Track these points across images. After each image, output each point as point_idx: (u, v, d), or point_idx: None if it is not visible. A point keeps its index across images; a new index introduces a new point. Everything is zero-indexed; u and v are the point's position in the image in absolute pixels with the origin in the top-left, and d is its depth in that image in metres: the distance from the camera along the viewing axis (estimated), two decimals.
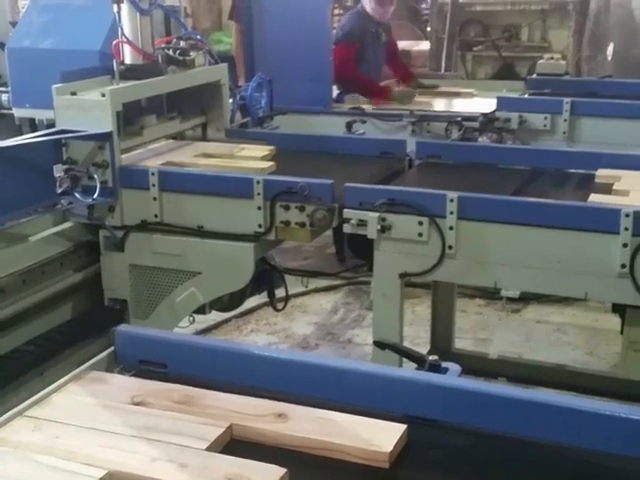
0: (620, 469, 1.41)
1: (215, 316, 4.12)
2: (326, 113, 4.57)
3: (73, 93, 2.92)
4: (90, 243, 3.02)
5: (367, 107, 4.72)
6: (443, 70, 6.40)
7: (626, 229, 2.38)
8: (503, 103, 4.36)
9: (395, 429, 1.44)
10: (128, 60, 3.22)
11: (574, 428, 1.42)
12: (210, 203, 2.87)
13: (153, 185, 2.91)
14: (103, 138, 2.86)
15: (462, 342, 3.97)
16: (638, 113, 4.09)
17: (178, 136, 3.56)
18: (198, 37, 3.45)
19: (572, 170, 3.20)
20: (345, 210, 2.72)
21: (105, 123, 2.85)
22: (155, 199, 2.91)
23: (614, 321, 2.70)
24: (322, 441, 1.42)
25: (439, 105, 5.03)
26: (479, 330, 4.34)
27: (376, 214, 2.67)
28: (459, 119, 4.25)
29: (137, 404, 1.54)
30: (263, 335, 4.39)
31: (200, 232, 2.88)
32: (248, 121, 3.83)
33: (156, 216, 2.93)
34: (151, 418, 1.48)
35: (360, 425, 1.45)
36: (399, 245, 2.70)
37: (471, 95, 5.05)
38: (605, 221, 2.42)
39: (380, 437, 1.41)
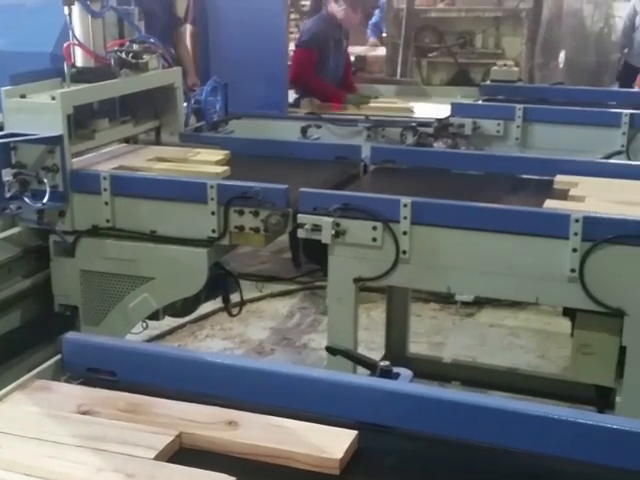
0: (570, 473, 1.42)
1: (169, 322, 4.08)
2: (282, 118, 4.57)
3: (22, 96, 2.86)
4: (40, 248, 2.95)
5: (323, 112, 4.73)
6: (399, 76, 6.44)
7: (575, 234, 2.41)
8: (457, 109, 4.40)
9: (346, 435, 1.43)
10: (80, 63, 3.18)
11: (526, 432, 1.43)
12: (163, 208, 2.84)
13: (105, 189, 2.87)
14: (53, 142, 2.81)
15: (417, 346, 3.99)
16: (588, 120, 4.16)
17: (132, 140, 3.53)
18: (152, 40, 3.42)
19: (528, 176, 3.24)
20: (299, 215, 2.71)
21: (55, 126, 2.81)
22: (107, 204, 2.88)
23: (565, 324, 2.74)
24: (272, 448, 1.41)
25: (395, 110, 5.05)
26: (434, 334, 4.37)
27: (330, 219, 2.66)
28: (414, 124, 4.29)
29: (84, 413, 1.51)
30: (218, 340, 4.35)
31: (153, 237, 2.85)
32: (203, 125, 3.80)
33: (108, 221, 2.89)
34: (97, 427, 1.45)
35: (311, 432, 1.44)
36: (353, 250, 2.70)
37: (408, 110, 4.83)
38: (555, 226, 2.45)
39: (331, 444, 1.41)
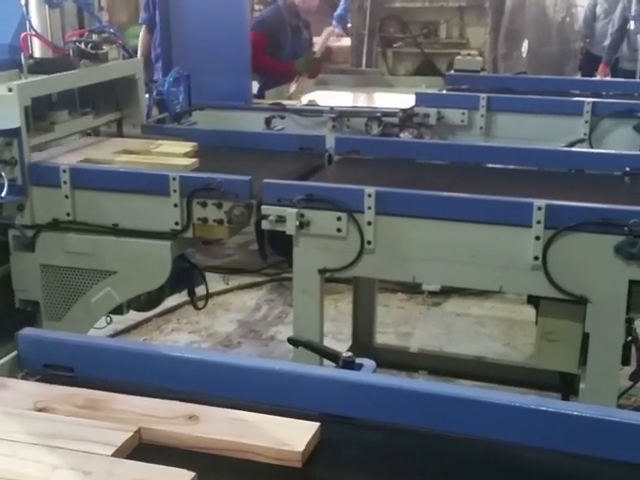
0: (535, 461, 1.42)
1: (135, 316, 4.03)
2: (246, 109, 4.52)
3: None
4: None
5: (288, 102, 4.70)
6: (364, 66, 6.42)
7: (538, 222, 2.42)
8: (422, 99, 4.40)
9: (308, 427, 1.41)
10: (38, 54, 3.11)
11: (488, 421, 1.43)
12: (125, 201, 2.80)
13: (65, 182, 2.83)
14: (10, 134, 2.76)
15: (384, 337, 3.99)
16: (551, 108, 4.18)
17: (93, 132, 3.47)
18: (112, 30, 3.38)
19: (493, 165, 3.25)
20: (263, 206, 2.69)
21: (13, 119, 2.74)
22: (67, 197, 2.83)
23: (530, 312, 2.75)
24: (234, 442, 1.39)
25: (359, 101, 5.05)
26: (401, 324, 4.37)
27: (294, 210, 2.64)
28: (379, 115, 4.27)
29: (40, 410, 1.47)
30: (184, 334, 4.32)
31: (115, 230, 2.82)
32: (165, 117, 3.76)
33: (68, 214, 2.84)
34: (54, 424, 1.42)
35: (272, 424, 1.43)
36: (318, 241, 2.68)
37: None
38: (518, 214, 2.45)
39: (292, 436, 1.39)
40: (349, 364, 1.55)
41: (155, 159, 3.09)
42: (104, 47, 3.22)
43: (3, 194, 2.73)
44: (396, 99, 4.90)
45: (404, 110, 4.32)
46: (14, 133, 2.75)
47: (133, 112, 3.48)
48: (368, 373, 1.53)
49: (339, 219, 2.64)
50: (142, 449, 1.40)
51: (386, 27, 6.43)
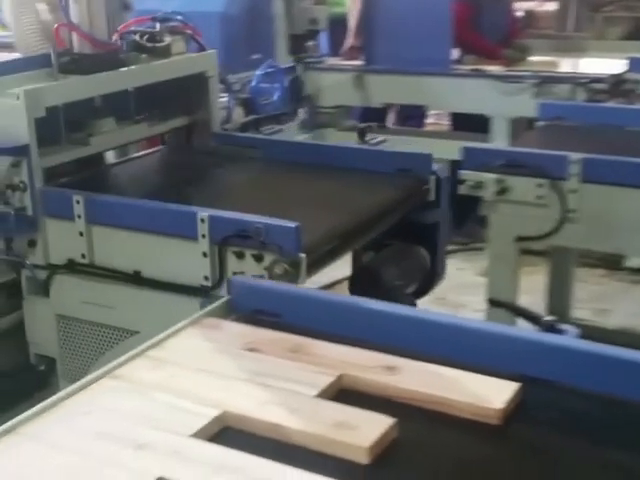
0: None
1: (332, 275, 4.14)
2: (444, 74, 4.47)
3: None
4: (13, 282, 2.43)
5: (491, 68, 4.59)
6: (570, 30, 6.14)
7: None
8: (636, 64, 4.13)
9: (508, 387, 1.40)
10: (79, 49, 2.55)
11: None
12: (149, 243, 2.23)
13: (79, 216, 2.28)
14: (17, 153, 2.26)
15: (580, 312, 3.84)
16: None
17: (148, 142, 2.97)
18: (179, 17, 2.79)
19: None
20: (462, 171, 2.67)
21: (20, 134, 2.24)
22: (82, 234, 2.29)
23: None
24: (432, 395, 1.41)
25: (564, 66, 4.83)
26: (598, 301, 4.19)
27: (494, 176, 2.60)
28: (585, 80, 4.07)
29: (250, 350, 1.57)
30: None
31: (137, 279, 2.25)
32: (249, 121, 3.17)
33: (84, 256, 2.30)
34: (263, 364, 1.51)
35: (472, 381, 1.43)
36: (516, 208, 2.63)
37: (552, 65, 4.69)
38: None
39: (492, 394, 1.39)
40: (552, 328, 1.51)
41: None
42: (165, 39, 2.68)
43: (10, 227, 2.28)
44: (603, 65, 4.64)
45: (615, 75, 4.08)
46: (21, 151, 2.25)
47: (204, 117, 2.88)
48: (573, 338, 1.49)
49: (540, 186, 2.57)
50: (342, 394, 1.46)
51: None
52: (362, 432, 1.28)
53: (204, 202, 2.30)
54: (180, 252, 2.17)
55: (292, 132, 3.77)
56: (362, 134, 3.48)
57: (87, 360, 2.39)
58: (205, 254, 2.11)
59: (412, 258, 2.67)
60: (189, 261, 2.14)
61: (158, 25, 2.68)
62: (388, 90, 4.48)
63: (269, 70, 3.29)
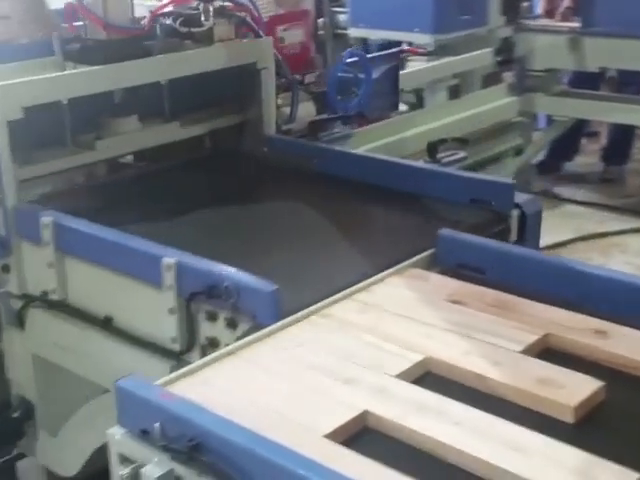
0: None
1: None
2: None
3: None
4: None
5: None
6: None
7: None
8: None
9: None
10: (97, 35, 2.16)
11: None
12: (121, 285, 1.79)
13: (47, 243, 1.88)
14: None
15: None
16: None
17: (186, 146, 2.37)
18: None
19: None
20: None
21: None
22: (51, 265, 1.89)
23: None
24: None
25: None
26: None
27: None
28: None
29: (453, 302, 1.58)
30: None
31: (107, 326, 1.84)
32: (319, 121, 2.54)
33: (54, 291, 1.92)
34: (466, 316, 1.52)
35: None
36: None
37: None
38: None
39: None
40: None
41: None
42: (204, 22, 2.22)
43: None
44: None
45: None
46: None
47: (256, 116, 2.43)
48: None
49: None
50: (547, 353, 1.44)
51: None
52: (569, 391, 1.26)
53: (220, 233, 1.93)
54: (149, 303, 1.72)
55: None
56: (433, 150, 2.84)
57: (65, 410, 2.01)
58: (172, 310, 1.66)
59: None
60: (157, 316, 1.70)
61: (201, 5, 2.24)
62: (607, 54, 4.22)
63: (354, 58, 2.57)
